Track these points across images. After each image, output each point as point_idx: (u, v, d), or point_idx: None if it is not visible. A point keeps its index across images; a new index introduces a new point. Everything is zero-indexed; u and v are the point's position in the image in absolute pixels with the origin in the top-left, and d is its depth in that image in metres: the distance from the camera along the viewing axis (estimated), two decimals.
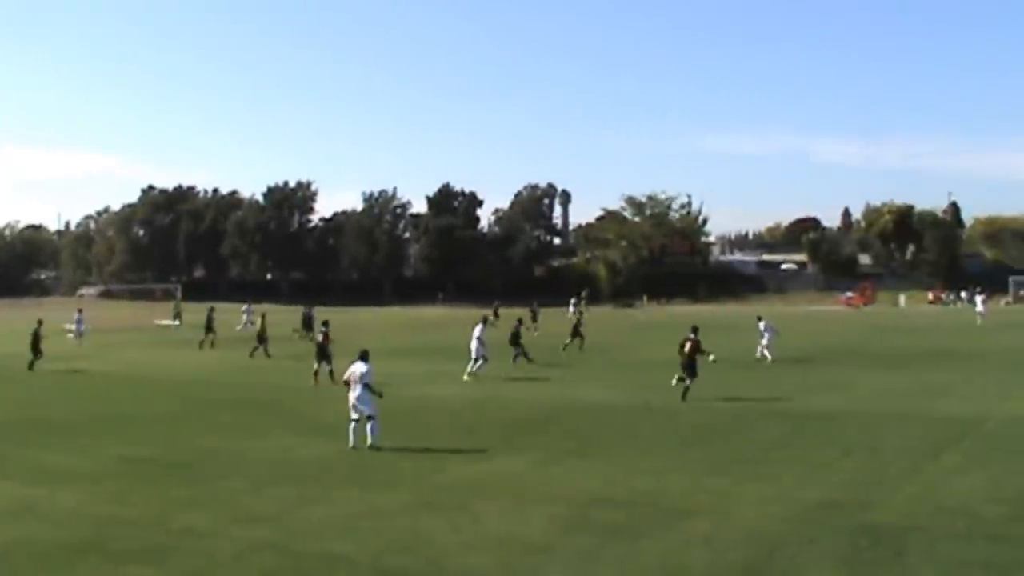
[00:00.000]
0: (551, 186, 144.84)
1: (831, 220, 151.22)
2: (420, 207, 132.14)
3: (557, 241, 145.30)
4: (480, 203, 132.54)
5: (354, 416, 17.07)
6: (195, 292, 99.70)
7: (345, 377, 17.73)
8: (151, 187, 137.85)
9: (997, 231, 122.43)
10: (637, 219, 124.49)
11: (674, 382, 23.21)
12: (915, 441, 16.73)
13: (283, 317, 51.21)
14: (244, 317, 55.96)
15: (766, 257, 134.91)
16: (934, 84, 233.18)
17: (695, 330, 23.75)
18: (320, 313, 43.33)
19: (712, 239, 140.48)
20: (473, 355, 29.38)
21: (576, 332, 39.66)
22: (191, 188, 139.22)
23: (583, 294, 79.26)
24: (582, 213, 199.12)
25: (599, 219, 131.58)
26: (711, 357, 23.81)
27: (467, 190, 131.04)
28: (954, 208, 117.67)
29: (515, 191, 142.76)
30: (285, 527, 11.75)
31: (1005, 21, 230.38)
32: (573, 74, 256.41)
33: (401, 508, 12.61)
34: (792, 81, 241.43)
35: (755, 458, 15.59)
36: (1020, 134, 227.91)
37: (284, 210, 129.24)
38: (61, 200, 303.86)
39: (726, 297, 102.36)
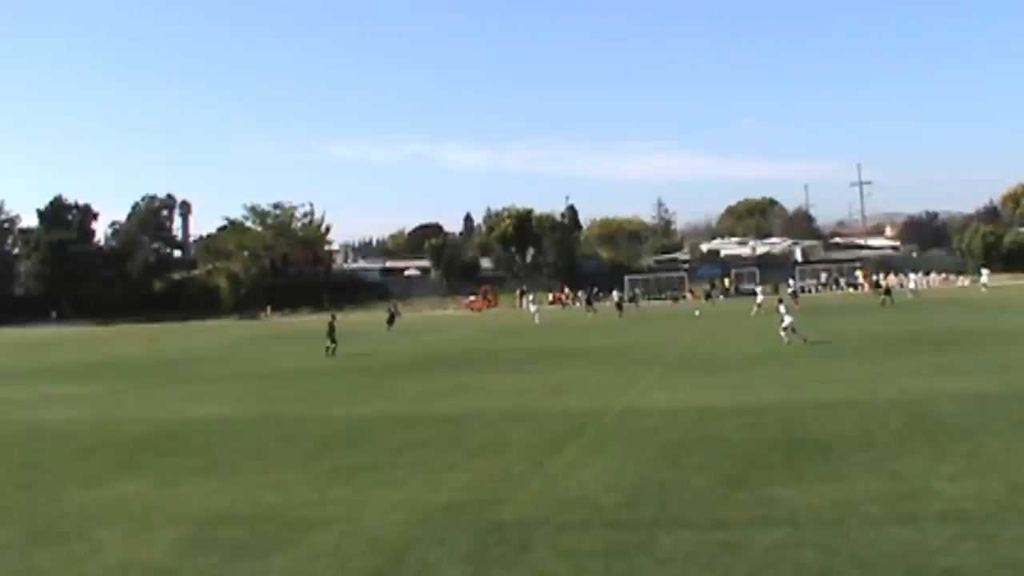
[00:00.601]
0: (170, 197, 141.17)
1: (454, 226, 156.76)
2: (30, 221, 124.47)
3: (178, 253, 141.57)
4: (95, 216, 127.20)
5: None
6: None
7: None
8: None
9: (613, 232, 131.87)
10: (260, 229, 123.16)
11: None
12: (539, 438, 17.63)
13: None
14: None
15: (389, 264, 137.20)
16: (553, 91, 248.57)
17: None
18: None
19: (336, 247, 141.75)
20: None
21: None
22: None
23: None
24: (205, 224, 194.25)
25: (221, 229, 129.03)
26: None
27: (81, 202, 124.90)
28: (572, 211, 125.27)
29: (132, 203, 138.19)
30: None
31: (612, 34, 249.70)
32: (191, 81, 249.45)
33: (9, 545, 11.83)
34: (420, 89, 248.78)
35: (380, 465, 15.86)
36: (632, 139, 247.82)
37: None
38: None
39: (351, 305, 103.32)
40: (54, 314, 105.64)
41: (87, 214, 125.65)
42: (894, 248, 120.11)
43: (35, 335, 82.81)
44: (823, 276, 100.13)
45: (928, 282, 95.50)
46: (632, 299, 68.88)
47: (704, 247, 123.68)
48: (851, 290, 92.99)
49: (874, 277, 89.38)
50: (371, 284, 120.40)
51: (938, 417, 17.60)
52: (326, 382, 30.77)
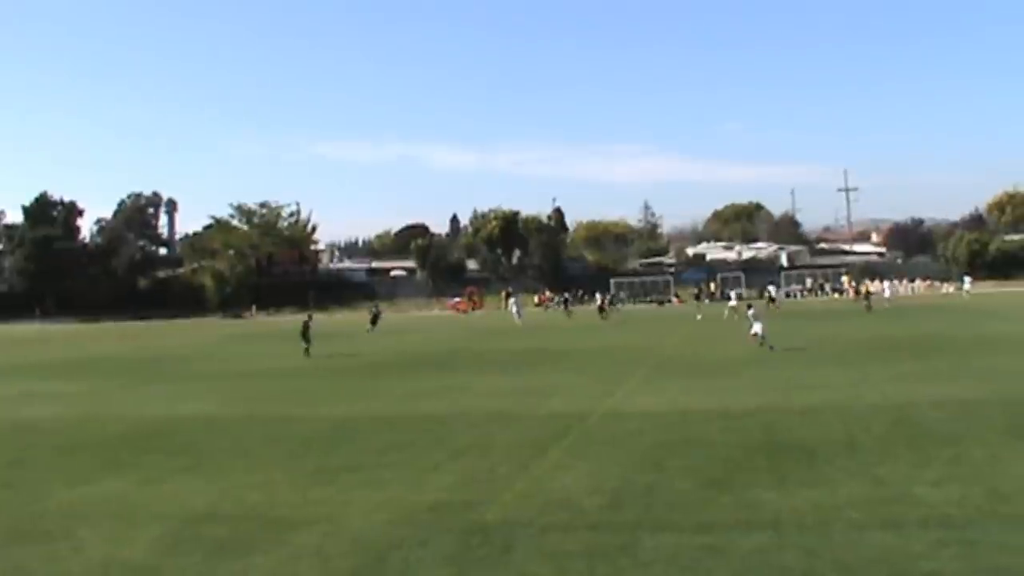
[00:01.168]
0: (156, 194, 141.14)
1: (441, 226, 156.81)
2: (15, 217, 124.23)
3: (163, 251, 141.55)
4: (81, 213, 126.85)
5: None
6: None
7: None
8: None
9: (599, 235, 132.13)
10: (246, 227, 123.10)
11: None
12: (523, 439, 17.64)
13: None
14: None
15: (375, 264, 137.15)
16: (541, 93, 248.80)
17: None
18: None
19: (322, 247, 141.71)
20: None
21: None
22: None
23: None
24: (190, 222, 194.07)
25: (207, 228, 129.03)
26: None
27: (66, 199, 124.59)
28: (558, 213, 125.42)
29: (118, 200, 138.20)
30: None
31: (601, 38, 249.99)
32: (178, 79, 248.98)
33: None
34: (408, 90, 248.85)
35: (364, 465, 15.84)
36: (620, 142, 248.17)
37: None
38: None
39: (336, 305, 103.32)
40: (38, 311, 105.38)
41: (72, 211, 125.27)
42: (879, 254, 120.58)
43: (19, 332, 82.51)
44: (808, 281, 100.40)
45: (913, 288, 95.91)
46: (612, 302, 68.46)
47: (690, 251, 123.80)
48: (836, 296, 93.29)
49: (854, 283, 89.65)
50: (357, 284, 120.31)
51: (921, 423, 17.68)
52: (311, 381, 30.73)
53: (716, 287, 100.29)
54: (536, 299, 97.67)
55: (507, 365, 33.60)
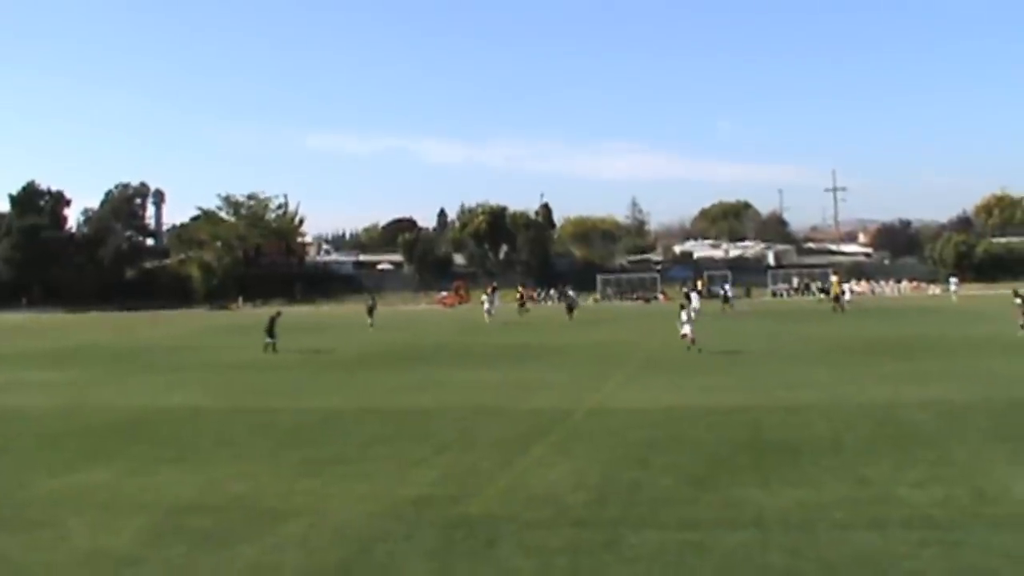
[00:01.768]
0: (144, 185, 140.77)
1: (429, 221, 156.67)
2: (2, 206, 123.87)
3: (150, 242, 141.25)
4: (68, 202, 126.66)
5: None
6: None
7: None
8: None
9: (586, 231, 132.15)
10: (233, 219, 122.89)
11: None
12: (507, 435, 17.64)
13: None
14: None
15: (363, 257, 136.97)
16: (530, 89, 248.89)
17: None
18: None
19: (309, 239, 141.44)
20: None
21: None
22: None
23: None
24: (178, 213, 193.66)
25: (194, 219, 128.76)
26: None
27: (54, 188, 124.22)
28: (546, 209, 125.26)
29: (106, 190, 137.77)
30: None
31: (593, 35, 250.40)
32: (167, 69, 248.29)
33: None
34: (398, 83, 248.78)
35: (349, 458, 15.83)
36: (609, 138, 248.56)
37: None
38: None
39: (323, 298, 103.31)
40: (25, 300, 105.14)
41: (60, 200, 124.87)
42: (867, 255, 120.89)
43: (5, 320, 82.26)
44: (795, 281, 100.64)
45: (899, 289, 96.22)
46: (570, 305, 63.78)
47: (677, 248, 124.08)
48: (823, 296, 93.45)
49: (820, 283, 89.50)
50: (344, 277, 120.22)
51: (906, 423, 17.72)
52: (297, 374, 30.70)
53: (703, 285, 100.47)
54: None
55: (493, 360, 33.60)
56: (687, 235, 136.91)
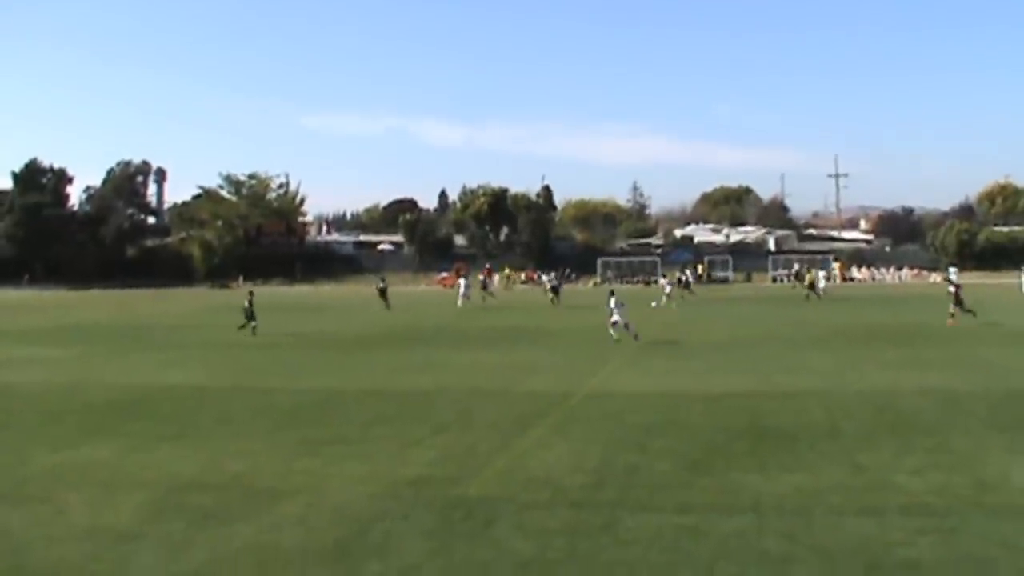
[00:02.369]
0: (145, 163, 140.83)
1: (429, 202, 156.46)
2: (4, 183, 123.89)
3: (152, 220, 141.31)
4: (70, 180, 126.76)
5: None
6: None
7: None
8: None
9: (587, 214, 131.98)
10: (234, 198, 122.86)
11: None
12: (506, 417, 17.68)
13: None
14: None
15: (363, 238, 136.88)
16: (533, 70, 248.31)
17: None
18: None
19: (310, 219, 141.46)
20: None
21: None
22: None
23: None
24: (179, 191, 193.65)
25: (195, 198, 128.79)
26: None
27: (56, 166, 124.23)
28: (547, 191, 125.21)
29: (107, 168, 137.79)
30: None
31: (595, 17, 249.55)
32: (169, 48, 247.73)
33: None
34: (398, 63, 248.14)
35: (348, 438, 15.88)
36: (611, 121, 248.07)
37: None
38: None
39: (323, 278, 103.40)
40: (26, 277, 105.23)
41: (62, 178, 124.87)
42: (867, 241, 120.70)
43: (7, 297, 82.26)
44: (796, 266, 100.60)
45: (900, 277, 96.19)
46: (555, 288, 62.33)
47: (678, 232, 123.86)
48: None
49: (796, 268, 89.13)
50: (345, 257, 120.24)
51: (904, 411, 17.72)
52: (296, 353, 30.77)
53: (703, 270, 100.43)
54: (522, 276, 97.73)
55: (492, 342, 33.64)
56: (688, 219, 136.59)
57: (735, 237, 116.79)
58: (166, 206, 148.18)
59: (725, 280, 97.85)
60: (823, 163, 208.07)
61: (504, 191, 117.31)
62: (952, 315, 37.66)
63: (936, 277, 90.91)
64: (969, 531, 10.12)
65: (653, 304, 53.30)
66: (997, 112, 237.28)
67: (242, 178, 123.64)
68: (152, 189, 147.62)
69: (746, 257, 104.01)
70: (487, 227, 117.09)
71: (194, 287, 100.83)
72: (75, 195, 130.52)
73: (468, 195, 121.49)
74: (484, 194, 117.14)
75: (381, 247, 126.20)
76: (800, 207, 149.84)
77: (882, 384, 21.19)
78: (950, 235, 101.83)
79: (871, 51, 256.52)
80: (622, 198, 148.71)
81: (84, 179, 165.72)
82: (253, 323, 38.65)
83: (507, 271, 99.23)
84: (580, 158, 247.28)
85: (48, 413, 19.16)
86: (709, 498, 11.65)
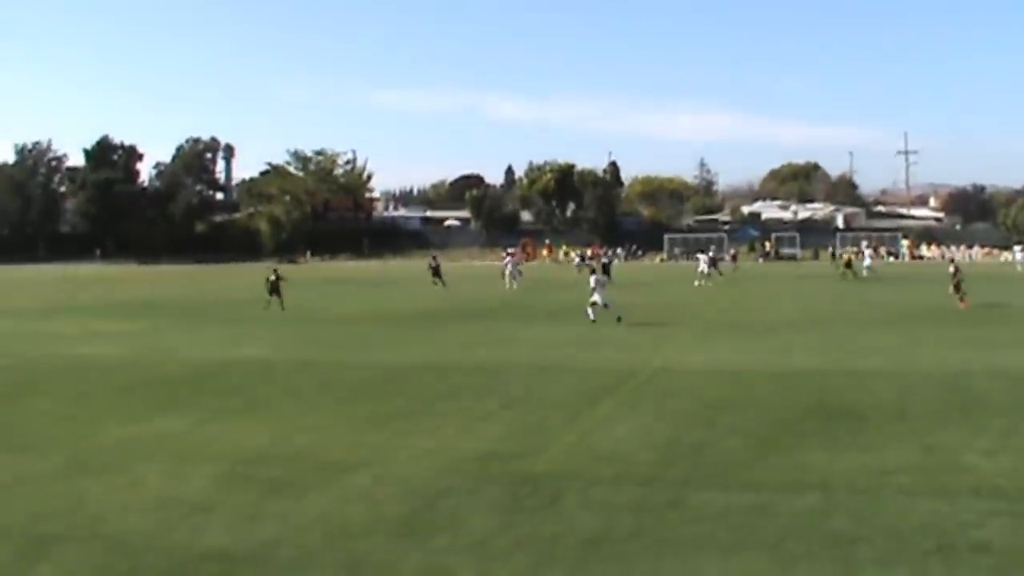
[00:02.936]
0: (214, 140, 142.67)
1: (496, 177, 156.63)
2: (77, 160, 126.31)
3: (220, 196, 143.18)
4: (140, 157, 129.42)
5: None
6: None
7: None
8: None
9: (654, 191, 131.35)
10: (302, 174, 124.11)
11: None
12: (574, 392, 17.68)
13: None
14: None
15: (430, 213, 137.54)
16: (600, 48, 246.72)
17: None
18: None
19: (377, 195, 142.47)
20: None
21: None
22: None
23: None
24: (247, 168, 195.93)
25: (263, 174, 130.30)
26: None
27: (126, 143, 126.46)
28: (614, 167, 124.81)
29: (177, 144, 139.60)
30: None
31: None
32: (236, 25, 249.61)
33: (55, 473, 12.10)
34: (467, 39, 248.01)
35: (416, 412, 15.96)
36: (678, 97, 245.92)
37: None
38: None
39: (390, 253, 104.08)
40: (98, 252, 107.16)
41: (132, 154, 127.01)
42: (937, 219, 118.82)
43: (80, 272, 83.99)
44: (863, 244, 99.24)
45: (970, 256, 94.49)
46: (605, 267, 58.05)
47: (745, 209, 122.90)
48: (892, 259, 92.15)
49: (830, 250, 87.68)
50: (411, 233, 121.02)
51: (974, 391, 17.41)
52: (363, 328, 31.00)
53: (771, 246, 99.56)
54: (589, 252, 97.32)
55: (558, 317, 33.62)
56: (755, 196, 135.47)
57: (803, 214, 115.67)
58: (234, 182, 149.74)
59: (793, 257, 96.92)
60: (892, 140, 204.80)
61: (570, 167, 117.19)
62: (961, 298, 36.54)
63: (1007, 256, 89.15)
64: None
65: (696, 283, 52.93)
66: None
67: (309, 154, 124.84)
68: (220, 165, 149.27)
69: (814, 234, 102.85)
70: (553, 203, 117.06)
71: (262, 262, 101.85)
72: (145, 172, 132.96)
73: (534, 171, 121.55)
74: (551, 170, 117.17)
75: (448, 223, 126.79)
76: (869, 184, 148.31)
77: (951, 364, 20.86)
78: (1022, 213, 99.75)
79: (942, 25, 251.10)
80: (689, 175, 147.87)
81: (154, 156, 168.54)
82: (273, 299, 38.28)
83: (545, 248, 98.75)
84: (647, 134, 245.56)
85: (121, 386, 19.48)
86: (777, 476, 11.56)
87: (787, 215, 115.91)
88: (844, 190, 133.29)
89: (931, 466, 11.91)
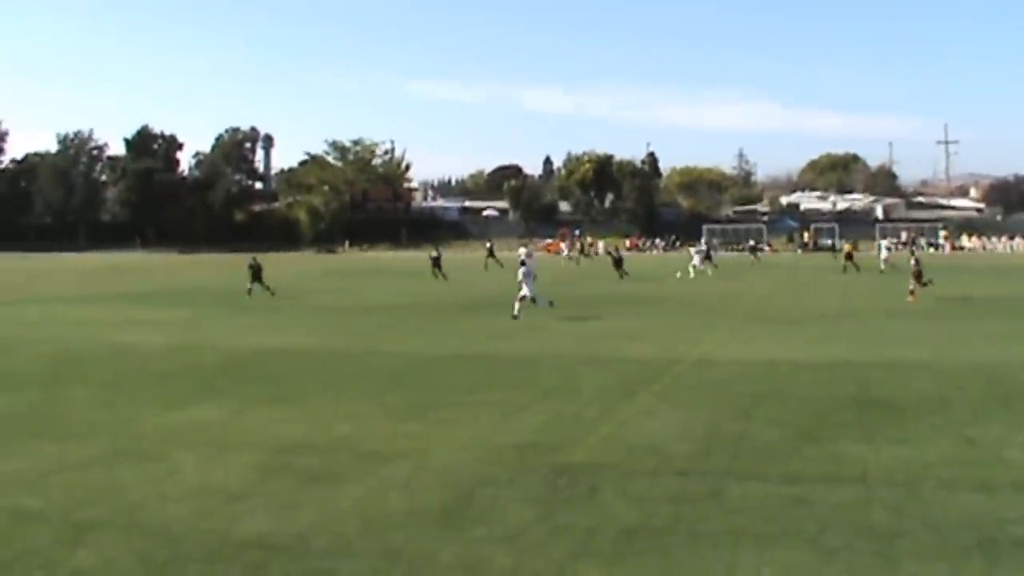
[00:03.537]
0: (254, 129, 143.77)
1: (534, 168, 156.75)
2: (118, 149, 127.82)
3: (259, 186, 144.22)
4: (180, 146, 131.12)
5: None
6: None
7: None
8: None
9: (692, 181, 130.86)
10: (340, 164, 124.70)
11: None
12: (611, 383, 17.62)
13: None
14: None
15: (468, 204, 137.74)
16: (638, 38, 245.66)
17: None
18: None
19: (415, 185, 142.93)
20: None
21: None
22: None
23: None
24: (286, 157, 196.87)
25: (302, 164, 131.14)
26: None
27: (167, 132, 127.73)
28: (652, 158, 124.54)
29: (216, 134, 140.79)
30: None
31: None
32: (275, 16, 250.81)
33: (94, 460, 12.18)
34: (505, 30, 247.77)
35: (453, 402, 15.96)
36: (716, 88, 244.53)
37: None
38: None
39: (428, 243, 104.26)
40: (139, 241, 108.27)
41: (172, 144, 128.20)
42: (978, 210, 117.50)
43: (120, 260, 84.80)
44: (903, 235, 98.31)
45: (1012, 247, 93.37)
46: (617, 261, 55.35)
47: (784, 200, 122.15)
48: (932, 251, 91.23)
49: (828, 241, 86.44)
50: (450, 223, 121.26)
51: (1016, 384, 17.17)
52: (400, 317, 31.08)
53: (810, 237, 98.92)
54: (627, 243, 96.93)
55: (596, 308, 33.55)
56: (794, 187, 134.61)
57: (842, 205, 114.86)
58: (273, 172, 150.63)
59: (831, 248, 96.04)
60: (932, 130, 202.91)
61: (609, 158, 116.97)
62: (912, 291, 35.76)
63: None
64: None
65: (678, 275, 52.57)
66: None
67: (348, 144, 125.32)
68: (260, 155, 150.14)
69: (853, 225, 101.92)
70: (592, 193, 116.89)
71: (300, 251, 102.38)
72: (185, 161, 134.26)
73: (573, 161, 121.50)
74: (589, 161, 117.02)
75: (486, 213, 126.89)
76: (908, 175, 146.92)
77: (992, 356, 20.58)
78: None
79: (982, 14, 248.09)
80: (728, 165, 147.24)
81: (194, 145, 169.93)
82: (253, 286, 39.55)
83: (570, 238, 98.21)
84: (685, 125, 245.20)
85: (159, 373, 19.61)
86: (816, 468, 11.45)
87: (826, 206, 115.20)
88: (883, 181, 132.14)
89: (972, 459, 11.76)
